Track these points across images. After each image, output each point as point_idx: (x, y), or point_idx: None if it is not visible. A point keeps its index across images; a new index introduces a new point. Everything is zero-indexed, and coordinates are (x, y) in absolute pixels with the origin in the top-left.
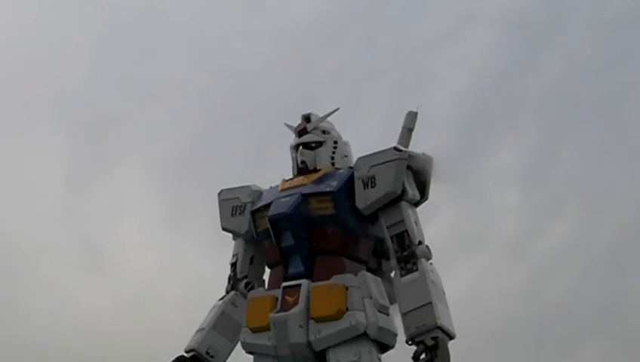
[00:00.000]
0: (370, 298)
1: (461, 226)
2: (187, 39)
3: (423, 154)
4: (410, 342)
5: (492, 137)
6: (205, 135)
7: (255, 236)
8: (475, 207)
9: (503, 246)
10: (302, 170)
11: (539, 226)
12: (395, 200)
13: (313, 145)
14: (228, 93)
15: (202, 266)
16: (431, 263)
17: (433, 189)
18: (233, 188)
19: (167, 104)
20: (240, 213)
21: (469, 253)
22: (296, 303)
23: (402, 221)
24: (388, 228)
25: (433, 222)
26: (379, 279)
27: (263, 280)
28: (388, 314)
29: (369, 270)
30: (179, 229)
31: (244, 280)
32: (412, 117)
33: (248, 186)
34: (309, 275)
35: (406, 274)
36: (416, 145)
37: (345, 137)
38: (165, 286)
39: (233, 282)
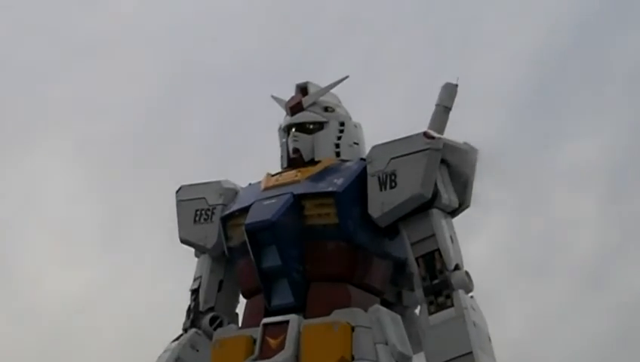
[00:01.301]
0: (386, 343)
1: (516, 245)
2: None
3: (465, 143)
4: None
5: (565, 121)
6: (157, 109)
7: (226, 252)
8: (538, 219)
9: (578, 272)
10: (294, 161)
11: (627, 247)
12: (424, 206)
13: (311, 126)
14: (189, 51)
15: (149, 293)
16: (472, 296)
17: (477, 193)
18: (197, 185)
19: (102, 65)
20: (206, 220)
21: (527, 283)
22: (281, 347)
23: (433, 236)
24: (412, 245)
25: (477, 239)
26: (398, 317)
27: (236, 314)
28: None
29: (385, 303)
30: (117, 241)
31: (210, 314)
32: (450, 91)
33: (218, 182)
34: (300, 308)
35: (437, 311)
36: (453, 131)
37: (356, 117)
38: (96, 319)
39: (194, 316)
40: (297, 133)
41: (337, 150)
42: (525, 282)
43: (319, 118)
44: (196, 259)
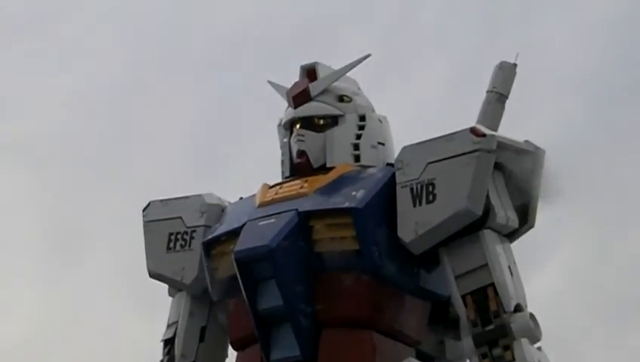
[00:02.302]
0: None
1: (597, 277)
2: None
3: (527, 142)
4: None
5: None
6: (115, 100)
7: (211, 290)
8: (625, 242)
9: None
10: (299, 167)
11: None
12: (473, 227)
13: (321, 122)
14: (158, 24)
15: (107, 343)
16: (539, 348)
17: (544, 208)
18: (171, 200)
19: (42, 47)
20: (183, 247)
21: (612, 327)
22: None
23: (485, 266)
24: (458, 279)
25: (544, 270)
26: None
27: None
28: None
29: (421, 357)
30: (65, 271)
31: None
32: (507, 73)
33: (199, 196)
34: None
35: None
36: (511, 126)
37: (380, 109)
38: None
39: None
40: (303, 131)
41: (356, 152)
42: (610, 326)
43: (332, 111)
44: (170, 299)
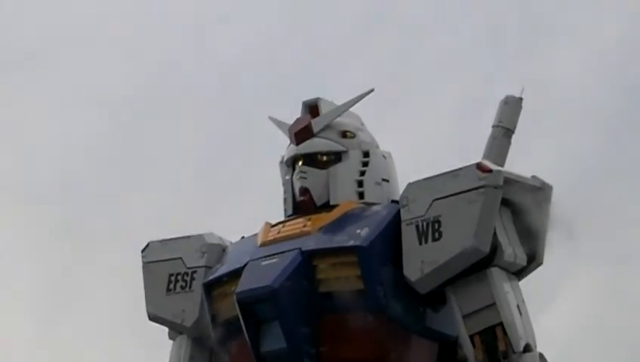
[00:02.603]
0: None
1: (610, 316)
2: None
3: (534, 178)
4: None
5: None
6: (111, 139)
7: (212, 333)
8: (637, 280)
9: None
10: (302, 205)
11: None
12: (480, 265)
13: (324, 158)
14: (156, 60)
15: None
16: None
17: (552, 245)
18: (171, 241)
19: (35, 80)
20: (183, 288)
21: None
22: None
23: (493, 305)
24: (465, 318)
25: (554, 309)
26: None
27: None
28: None
29: None
30: (60, 315)
31: None
32: (513, 107)
33: (199, 236)
34: None
35: None
36: (517, 161)
37: (384, 145)
38: None
39: None
40: (306, 168)
41: (360, 189)
42: None
43: (335, 147)
44: (171, 342)
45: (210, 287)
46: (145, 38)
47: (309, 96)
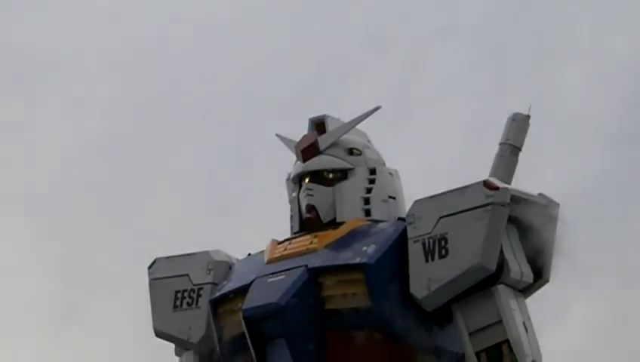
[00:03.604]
0: None
1: (617, 333)
2: None
3: (541, 195)
4: None
5: None
6: (119, 153)
7: (218, 349)
8: None
9: None
10: (309, 222)
11: None
12: (486, 282)
13: (330, 175)
14: (164, 74)
15: None
16: None
17: (559, 263)
18: (177, 257)
19: (48, 92)
20: (190, 305)
21: None
22: None
23: (499, 323)
24: (472, 335)
25: (561, 326)
26: None
27: None
28: None
29: None
30: (66, 331)
31: None
32: (520, 124)
33: (205, 253)
34: None
35: None
36: (525, 179)
37: (391, 163)
38: None
39: None
40: (312, 185)
41: (367, 207)
42: None
43: (342, 164)
44: (177, 359)
45: (217, 304)
46: (147, 55)
47: (316, 112)
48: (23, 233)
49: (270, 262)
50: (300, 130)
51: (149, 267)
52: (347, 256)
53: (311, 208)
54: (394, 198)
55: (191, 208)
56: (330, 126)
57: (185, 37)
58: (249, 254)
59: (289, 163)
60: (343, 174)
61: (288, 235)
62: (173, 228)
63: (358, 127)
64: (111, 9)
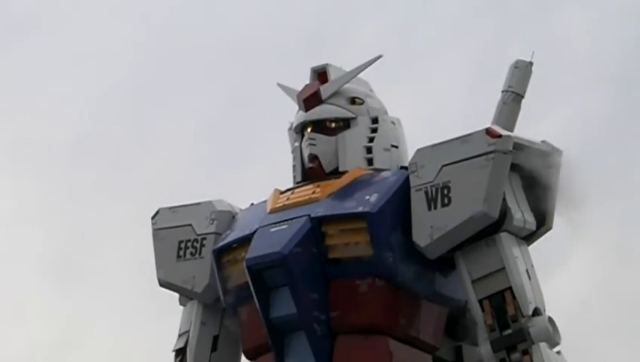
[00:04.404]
0: None
1: (619, 280)
2: None
3: (544, 142)
4: None
5: None
6: (121, 102)
7: (223, 299)
8: None
9: None
10: (311, 172)
11: None
12: (489, 230)
13: (333, 125)
14: (163, 22)
15: (118, 354)
16: (559, 352)
17: (562, 210)
18: (181, 207)
19: (45, 44)
20: (193, 255)
21: (634, 331)
22: None
23: (502, 270)
24: (474, 283)
25: (563, 273)
26: None
27: None
28: None
29: None
30: (74, 281)
31: None
32: (522, 71)
33: (209, 203)
34: None
35: None
36: (528, 126)
37: (393, 111)
38: None
39: None
40: (315, 135)
41: (369, 156)
42: (631, 330)
43: (344, 113)
44: (181, 308)
45: (220, 254)
46: (147, 4)
47: (318, 61)
48: (25, 184)
49: (273, 211)
50: (301, 80)
51: (152, 217)
52: (350, 205)
53: (313, 158)
54: (396, 147)
55: (193, 159)
56: (332, 75)
57: None
58: (252, 204)
59: (291, 112)
60: (345, 123)
61: (291, 185)
62: (176, 179)
63: (361, 75)
64: None
